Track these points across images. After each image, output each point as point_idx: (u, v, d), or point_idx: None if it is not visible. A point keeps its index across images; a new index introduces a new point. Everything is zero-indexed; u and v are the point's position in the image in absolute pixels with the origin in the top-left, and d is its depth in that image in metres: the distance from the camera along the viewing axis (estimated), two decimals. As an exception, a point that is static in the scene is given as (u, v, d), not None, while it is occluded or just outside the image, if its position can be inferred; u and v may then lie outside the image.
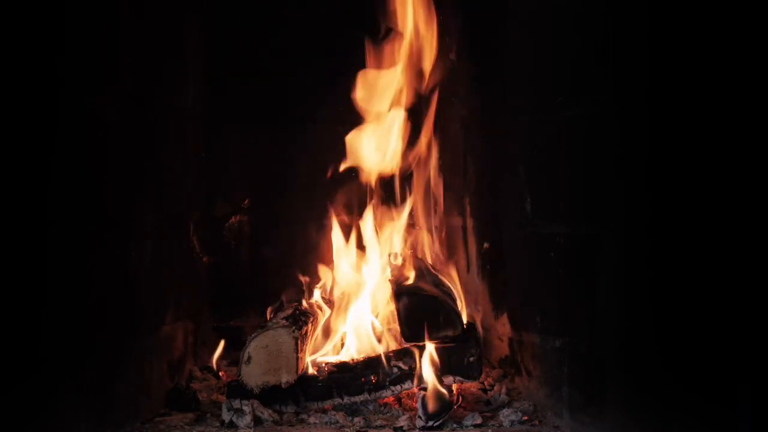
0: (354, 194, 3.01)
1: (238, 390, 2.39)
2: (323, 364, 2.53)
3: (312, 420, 2.40)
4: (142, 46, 2.37)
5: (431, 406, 2.31)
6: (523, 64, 2.60)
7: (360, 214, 2.98)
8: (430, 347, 2.43)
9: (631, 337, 2.05)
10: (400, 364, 2.47)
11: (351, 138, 2.92)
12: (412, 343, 2.48)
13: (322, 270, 2.93)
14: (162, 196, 2.56)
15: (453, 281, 2.76)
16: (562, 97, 2.34)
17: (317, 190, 3.08)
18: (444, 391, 2.35)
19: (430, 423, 2.30)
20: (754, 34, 1.79)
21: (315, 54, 3.07)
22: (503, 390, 2.56)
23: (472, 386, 2.63)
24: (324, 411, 2.44)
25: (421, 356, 2.45)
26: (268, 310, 2.76)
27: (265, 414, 2.37)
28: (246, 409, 2.33)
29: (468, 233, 3.04)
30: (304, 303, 2.71)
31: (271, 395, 2.40)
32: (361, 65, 2.96)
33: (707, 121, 1.86)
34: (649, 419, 1.99)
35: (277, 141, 3.11)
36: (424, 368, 2.40)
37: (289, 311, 2.57)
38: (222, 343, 2.87)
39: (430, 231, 3.05)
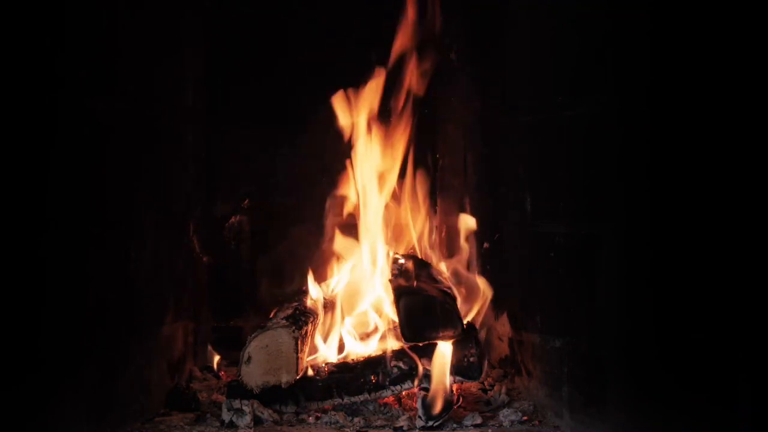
0: (354, 194, 3.00)
1: (238, 390, 2.39)
2: (323, 364, 2.53)
3: (312, 420, 2.40)
4: (141, 46, 2.37)
5: (431, 406, 2.32)
6: (523, 64, 2.60)
7: (360, 214, 2.97)
8: (445, 348, 2.42)
9: (631, 337, 2.05)
10: (400, 364, 2.47)
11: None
12: (412, 344, 2.48)
13: (323, 270, 2.93)
14: (162, 196, 2.56)
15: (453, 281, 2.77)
16: (562, 97, 2.34)
17: (318, 189, 3.08)
18: (447, 389, 2.35)
19: (430, 423, 2.30)
20: (755, 33, 1.79)
21: (315, 54, 3.07)
22: (503, 390, 2.56)
23: (472, 386, 2.63)
24: (324, 411, 2.44)
25: (421, 357, 2.45)
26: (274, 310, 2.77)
27: (265, 414, 2.37)
28: (246, 409, 2.33)
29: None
30: (305, 303, 2.71)
31: (271, 395, 2.39)
32: (361, 66, 2.97)
33: (708, 121, 1.86)
34: (649, 419, 1.99)
35: (277, 141, 3.11)
36: (435, 367, 2.40)
37: (289, 311, 2.57)
38: (210, 348, 2.89)
39: (430, 231, 3.05)
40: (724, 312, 1.82)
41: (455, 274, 2.87)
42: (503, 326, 2.77)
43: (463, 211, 3.04)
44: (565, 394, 2.30)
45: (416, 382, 2.44)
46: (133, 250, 2.33)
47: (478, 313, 2.71)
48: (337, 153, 2.99)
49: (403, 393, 2.51)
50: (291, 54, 3.09)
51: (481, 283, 2.73)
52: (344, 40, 3.05)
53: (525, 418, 2.39)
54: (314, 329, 2.63)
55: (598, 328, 2.18)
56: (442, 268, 2.88)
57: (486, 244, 2.91)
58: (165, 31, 2.59)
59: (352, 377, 2.47)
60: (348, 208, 3.00)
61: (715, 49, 1.84)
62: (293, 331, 2.39)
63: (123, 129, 2.26)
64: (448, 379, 2.37)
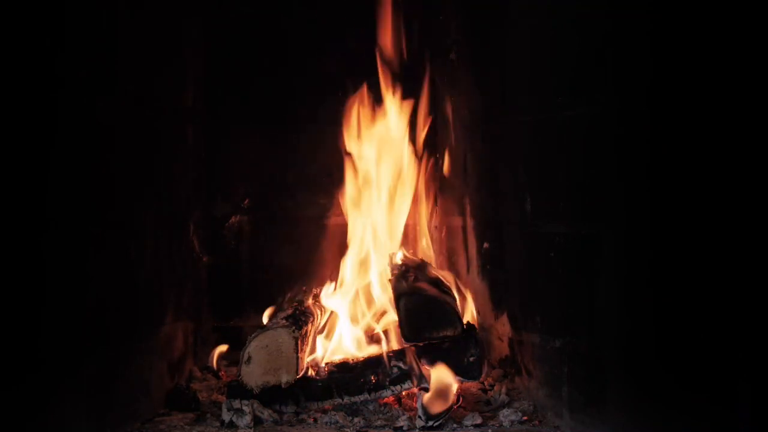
0: (354, 194, 3.01)
1: (238, 390, 2.39)
2: (323, 364, 2.53)
3: (312, 420, 2.40)
4: (141, 46, 2.37)
5: (431, 406, 2.32)
6: (523, 64, 2.60)
7: (360, 214, 2.98)
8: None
9: (631, 337, 2.05)
10: (400, 364, 2.47)
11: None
12: (412, 343, 2.48)
13: (323, 270, 2.93)
14: (162, 196, 2.57)
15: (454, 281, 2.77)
16: (562, 97, 2.34)
17: (317, 189, 3.09)
18: (446, 389, 2.36)
19: (430, 423, 2.30)
20: (755, 33, 1.79)
21: (315, 54, 3.07)
22: (503, 390, 2.56)
23: (472, 386, 2.63)
24: (324, 411, 2.44)
25: (421, 357, 2.45)
26: (268, 310, 2.77)
27: (265, 414, 2.37)
28: (246, 409, 2.33)
29: (468, 233, 3.04)
30: (305, 303, 2.71)
31: (271, 395, 2.39)
32: (361, 65, 2.97)
33: (708, 121, 1.86)
34: (649, 419, 1.99)
35: (277, 141, 3.11)
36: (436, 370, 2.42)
37: (289, 311, 2.57)
38: (218, 348, 2.88)
39: (430, 231, 3.05)
40: (724, 312, 1.82)
41: (455, 274, 2.88)
42: (503, 326, 2.77)
43: (463, 211, 3.04)
44: (565, 394, 2.30)
45: (416, 382, 2.44)
46: (133, 250, 2.33)
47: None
48: (337, 152, 2.99)
49: (403, 393, 2.51)
50: (291, 54, 3.09)
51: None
52: (344, 40, 3.04)
53: (525, 418, 2.39)
54: (314, 329, 2.64)
55: (598, 328, 2.18)
56: (442, 267, 2.89)
57: (486, 244, 2.91)
58: (165, 30, 2.60)
59: (352, 377, 2.47)
60: (348, 209, 3.00)
61: (715, 49, 1.84)
62: (293, 331, 2.39)
63: (123, 129, 2.26)
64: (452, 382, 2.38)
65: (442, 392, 2.36)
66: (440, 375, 2.39)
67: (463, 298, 2.71)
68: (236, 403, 2.35)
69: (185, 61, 2.82)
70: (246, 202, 3.12)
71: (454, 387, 2.41)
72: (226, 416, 2.33)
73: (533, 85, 2.52)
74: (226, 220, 3.10)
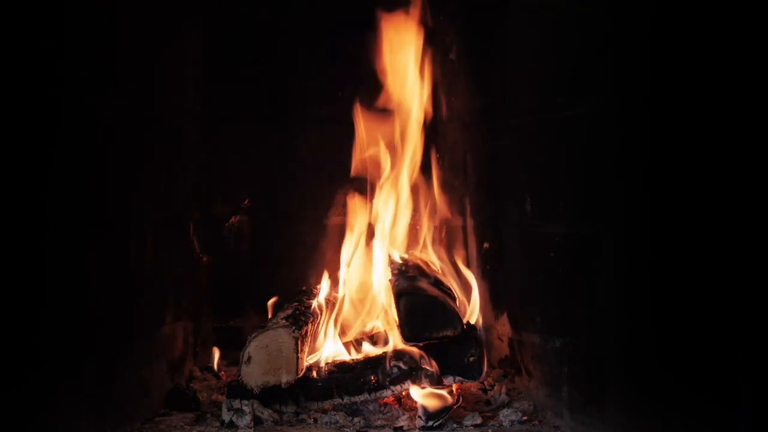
0: (354, 194, 3.01)
1: (238, 390, 2.39)
2: (323, 364, 2.53)
3: (312, 420, 2.40)
4: (141, 45, 2.37)
5: (431, 406, 2.32)
6: (523, 64, 2.60)
7: (360, 214, 2.98)
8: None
9: (631, 337, 2.05)
10: (400, 364, 2.47)
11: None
12: (412, 343, 2.48)
13: (322, 270, 2.93)
14: (162, 196, 2.56)
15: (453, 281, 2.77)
16: (562, 97, 2.34)
17: (317, 189, 3.09)
18: (442, 392, 2.36)
19: (430, 423, 2.30)
20: (755, 32, 1.79)
21: (315, 54, 3.07)
22: (503, 390, 2.56)
23: (472, 386, 2.63)
24: (324, 411, 2.44)
25: (421, 357, 2.45)
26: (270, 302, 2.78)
27: (265, 414, 2.37)
28: (246, 409, 2.33)
29: (468, 233, 3.04)
30: (305, 303, 2.71)
31: (271, 395, 2.39)
32: (361, 65, 2.97)
33: (708, 121, 1.86)
34: (648, 419, 1.99)
35: (276, 141, 3.11)
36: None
37: (289, 311, 2.57)
38: (216, 351, 2.88)
39: (430, 231, 3.05)
40: (724, 312, 1.82)
41: (455, 274, 2.88)
42: (503, 326, 2.77)
43: (463, 211, 3.04)
44: (565, 394, 2.30)
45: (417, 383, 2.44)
46: (133, 250, 2.33)
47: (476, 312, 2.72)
48: (337, 152, 2.99)
49: (403, 393, 2.51)
50: (291, 54, 3.09)
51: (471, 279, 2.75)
52: (344, 40, 3.04)
53: (525, 418, 2.39)
54: (314, 329, 2.64)
55: (598, 328, 2.18)
56: (442, 267, 2.88)
57: (486, 244, 2.91)
58: (165, 31, 2.59)
59: (352, 377, 2.47)
60: (349, 208, 3.00)
61: (715, 49, 1.84)
62: (293, 331, 2.39)
63: (123, 129, 2.26)
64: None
65: (440, 393, 2.36)
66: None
67: (465, 296, 2.72)
68: (236, 403, 2.35)
69: (185, 61, 2.82)
70: (246, 202, 3.11)
71: (453, 388, 2.42)
72: (226, 416, 2.34)
73: (533, 85, 2.52)
74: (226, 220, 3.10)
